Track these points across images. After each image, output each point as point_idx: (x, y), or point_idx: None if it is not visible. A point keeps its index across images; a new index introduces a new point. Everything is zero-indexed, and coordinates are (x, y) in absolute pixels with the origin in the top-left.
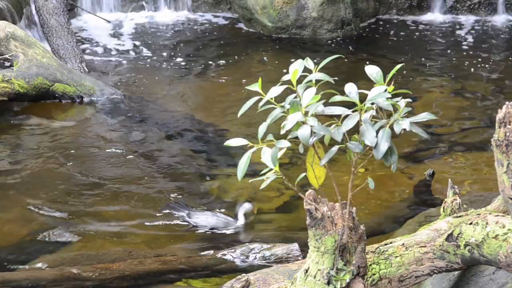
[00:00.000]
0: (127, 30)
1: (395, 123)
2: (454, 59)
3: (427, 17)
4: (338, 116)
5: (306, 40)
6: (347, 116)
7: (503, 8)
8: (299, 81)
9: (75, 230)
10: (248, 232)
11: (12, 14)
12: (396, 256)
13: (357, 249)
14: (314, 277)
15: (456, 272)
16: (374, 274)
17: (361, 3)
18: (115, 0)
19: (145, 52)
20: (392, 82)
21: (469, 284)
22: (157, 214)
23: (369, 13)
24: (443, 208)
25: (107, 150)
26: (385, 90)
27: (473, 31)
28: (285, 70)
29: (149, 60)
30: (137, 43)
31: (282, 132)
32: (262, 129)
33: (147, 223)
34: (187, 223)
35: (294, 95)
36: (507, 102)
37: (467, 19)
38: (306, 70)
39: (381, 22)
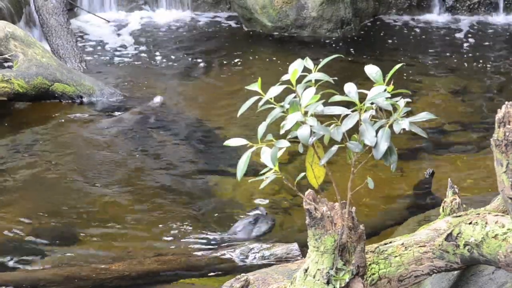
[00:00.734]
0: (127, 30)
1: (394, 122)
2: (453, 59)
3: (426, 16)
4: (338, 116)
5: (306, 40)
6: (346, 115)
7: (503, 8)
8: (299, 81)
9: (75, 230)
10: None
11: (11, 14)
12: (396, 256)
13: (357, 249)
14: (314, 276)
15: (456, 272)
16: (373, 274)
17: (361, 3)
18: (115, 0)
19: (145, 51)
20: (392, 82)
21: (468, 284)
22: (157, 214)
23: (369, 12)
24: (443, 207)
25: (107, 150)
26: (385, 90)
27: (472, 31)
28: (284, 70)
29: (148, 59)
30: (137, 42)
31: (282, 132)
32: (261, 129)
33: (147, 223)
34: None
35: (293, 95)
36: (506, 102)
37: (467, 19)
38: (306, 69)
39: (380, 22)
